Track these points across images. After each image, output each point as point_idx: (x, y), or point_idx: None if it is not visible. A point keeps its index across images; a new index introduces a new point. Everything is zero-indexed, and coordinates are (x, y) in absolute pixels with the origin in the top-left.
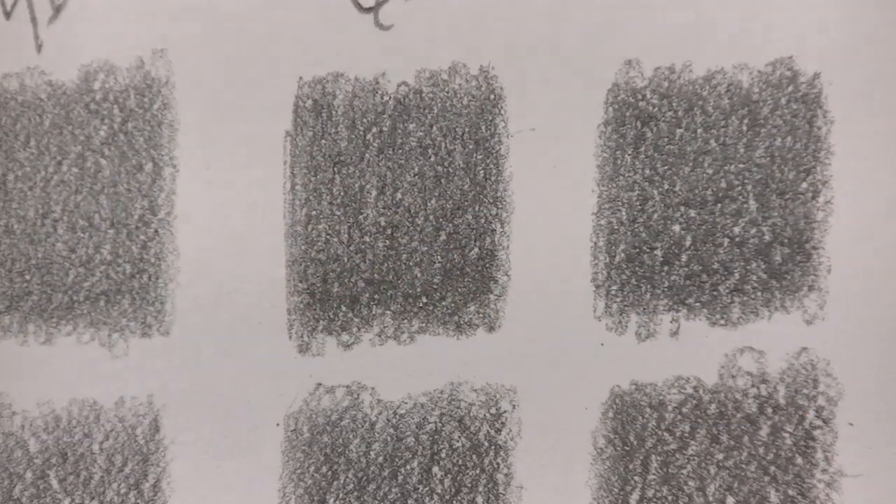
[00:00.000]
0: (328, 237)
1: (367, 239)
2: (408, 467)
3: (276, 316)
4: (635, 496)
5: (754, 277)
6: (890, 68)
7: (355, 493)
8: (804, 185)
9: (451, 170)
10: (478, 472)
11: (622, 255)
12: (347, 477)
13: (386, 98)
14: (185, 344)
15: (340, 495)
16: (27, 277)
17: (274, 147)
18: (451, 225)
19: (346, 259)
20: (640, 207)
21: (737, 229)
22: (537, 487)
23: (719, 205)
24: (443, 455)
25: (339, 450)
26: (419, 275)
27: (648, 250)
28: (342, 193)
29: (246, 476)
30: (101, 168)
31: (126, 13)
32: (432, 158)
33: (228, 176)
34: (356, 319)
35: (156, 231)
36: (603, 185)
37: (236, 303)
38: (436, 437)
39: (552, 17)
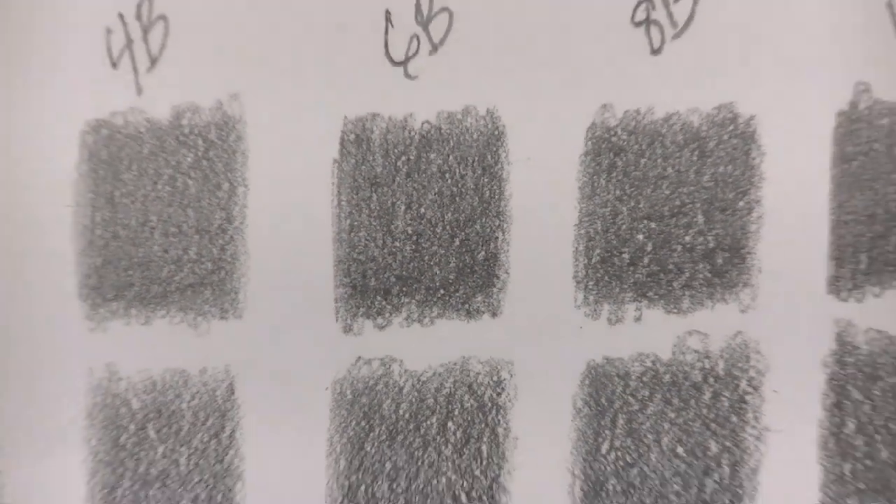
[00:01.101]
0: (367, 242)
1: (397, 244)
2: (428, 422)
3: (325, 304)
4: (605, 446)
5: (701, 276)
6: (814, 109)
7: (387, 443)
8: (741, 203)
9: (463, 190)
10: (483, 426)
11: (597, 257)
12: (381, 430)
13: (413, 133)
14: (254, 326)
15: (375, 444)
16: (130, 273)
17: (324, 172)
18: (463, 233)
19: (380, 259)
20: (611, 220)
21: (687, 238)
22: (529, 439)
23: (674, 218)
24: (456, 413)
25: (375, 408)
26: (438, 272)
27: (618, 254)
28: (378, 208)
29: (301, 429)
30: (188, 187)
31: (209, 64)
32: (449, 181)
33: (289, 194)
34: (388, 307)
35: (231, 237)
36: (583, 202)
37: (294, 293)
38: (450, 399)
39: (544, 70)
